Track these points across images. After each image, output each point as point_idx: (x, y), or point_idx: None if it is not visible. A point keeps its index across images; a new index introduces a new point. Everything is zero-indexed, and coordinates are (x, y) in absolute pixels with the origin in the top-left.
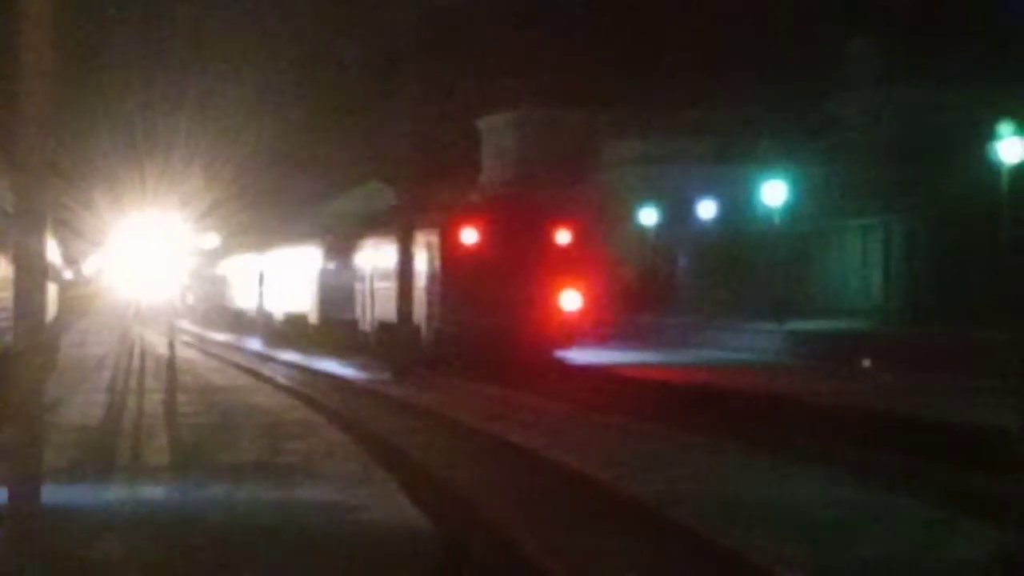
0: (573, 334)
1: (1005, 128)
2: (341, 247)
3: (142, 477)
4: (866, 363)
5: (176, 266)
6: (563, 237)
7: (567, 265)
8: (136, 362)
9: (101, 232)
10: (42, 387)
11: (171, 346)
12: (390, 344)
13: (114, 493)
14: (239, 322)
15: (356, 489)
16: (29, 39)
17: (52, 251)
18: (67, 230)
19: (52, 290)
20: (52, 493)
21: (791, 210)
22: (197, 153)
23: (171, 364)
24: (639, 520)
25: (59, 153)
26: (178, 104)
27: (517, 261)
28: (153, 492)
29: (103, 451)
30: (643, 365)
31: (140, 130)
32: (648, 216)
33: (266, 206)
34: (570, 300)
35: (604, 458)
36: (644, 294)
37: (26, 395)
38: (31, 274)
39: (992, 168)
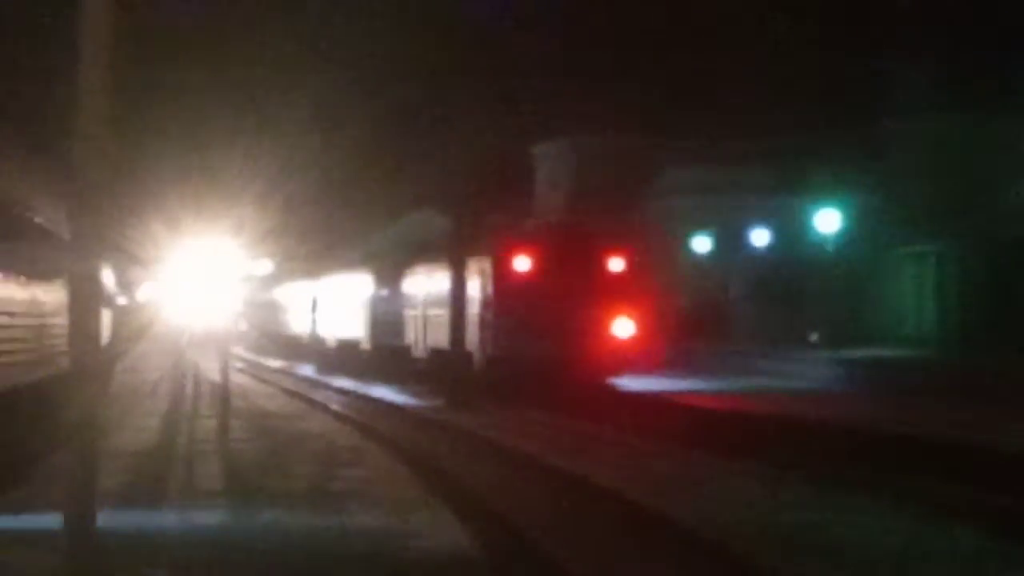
0: (626, 361)
1: None
2: (394, 273)
3: (195, 503)
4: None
5: (230, 292)
6: (616, 264)
7: (620, 292)
8: (190, 388)
9: (156, 259)
10: (97, 412)
11: (224, 372)
12: (442, 371)
13: (167, 518)
14: (292, 348)
15: (409, 515)
16: (87, 63)
17: (106, 277)
18: (121, 256)
19: (105, 316)
20: (104, 518)
21: (844, 237)
22: (252, 180)
23: (224, 390)
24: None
25: (114, 179)
26: (234, 132)
27: (570, 288)
28: (206, 518)
29: (156, 476)
30: (695, 393)
31: (196, 157)
32: (701, 244)
33: (319, 233)
34: (623, 327)
35: (650, 485)
36: (697, 322)
37: (81, 419)
38: (85, 299)
39: None
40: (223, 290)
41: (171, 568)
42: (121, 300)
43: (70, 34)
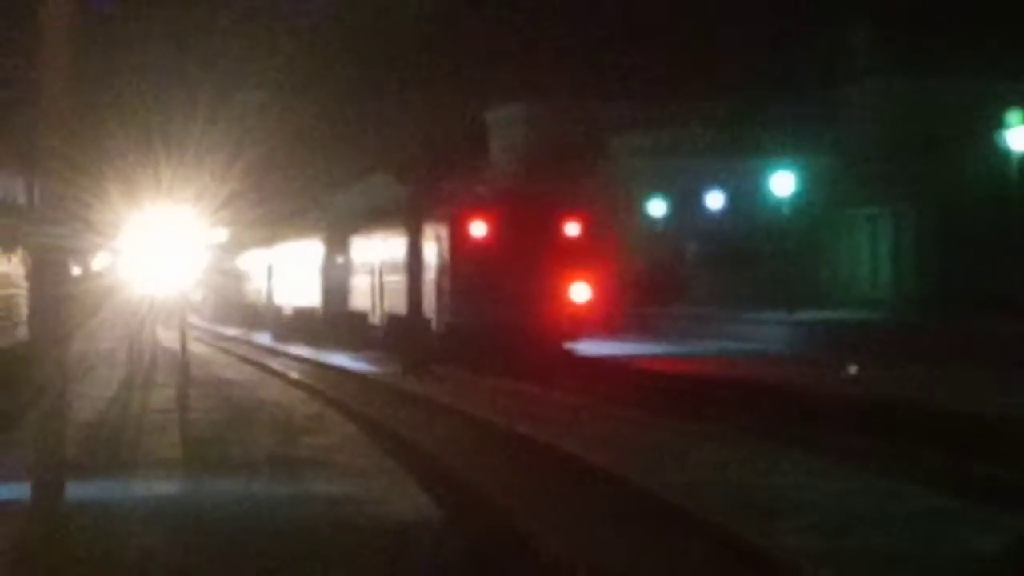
0: (582, 326)
1: (1014, 117)
2: (350, 240)
3: (155, 472)
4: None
5: (187, 261)
6: (572, 229)
7: (576, 257)
8: (147, 357)
9: (113, 226)
10: (63, 382)
11: (182, 341)
12: (400, 337)
13: (128, 488)
14: (249, 316)
15: (370, 482)
16: (48, 35)
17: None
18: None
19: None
20: (68, 488)
21: (799, 201)
22: (210, 148)
23: (183, 359)
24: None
25: (74, 149)
26: (192, 99)
27: (526, 253)
28: (167, 487)
29: (116, 446)
30: (652, 357)
31: (154, 123)
32: (656, 208)
33: (276, 200)
34: (579, 292)
35: (614, 449)
36: (653, 285)
37: (47, 390)
38: (48, 268)
39: (1001, 156)
40: (181, 259)
41: (134, 536)
42: (76, 269)
43: (29, 4)
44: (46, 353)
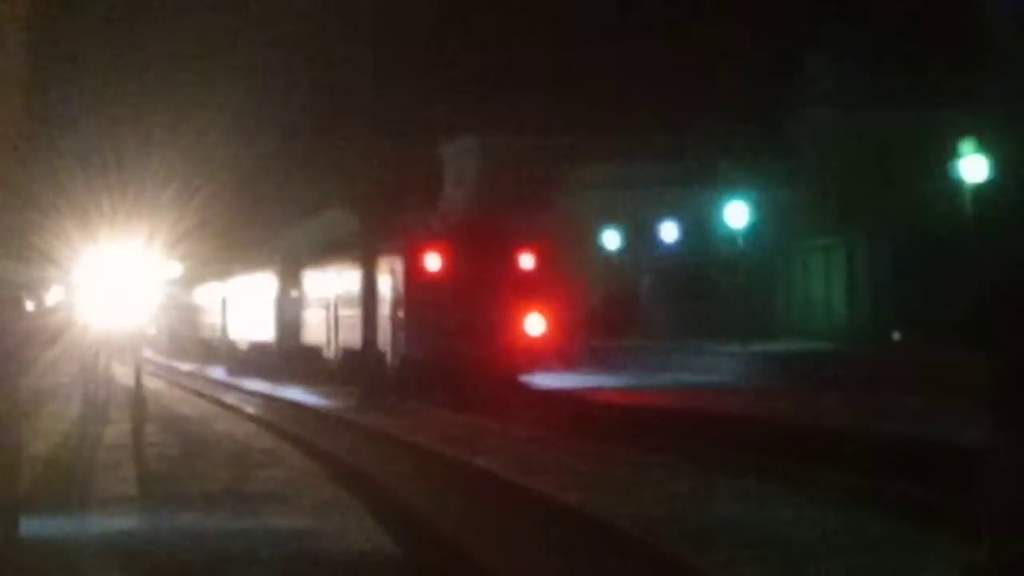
0: (538, 358)
1: (967, 146)
2: (304, 274)
3: (111, 507)
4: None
5: (142, 296)
6: (527, 261)
7: (531, 289)
8: (102, 393)
9: (67, 260)
10: (19, 418)
11: (137, 376)
12: (354, 371)
13: (83, 524)
14: (204, 351)
15: (325, 516)
16: (2, 63)
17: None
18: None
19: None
20: (21, 524)
21: (754, 232)
22: (165, 182)
23: (137, 394)
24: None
25: (27, 179)
26: (147, 133)
27: (481, 286)
28: (123, 523)
29: (71, 482)
30: (607, 389)
31: (110, 156)
32: (611, 239)
33: (230, 235)
34: (534, 324)
35: (565, 481)
36: (608, 317)
37: (2, 425)
38: (3, 304)
39: (955, 187)
40: (135, 293)
41: (93, 572)
42: (29, 305)
43: None
44: (0, 389)
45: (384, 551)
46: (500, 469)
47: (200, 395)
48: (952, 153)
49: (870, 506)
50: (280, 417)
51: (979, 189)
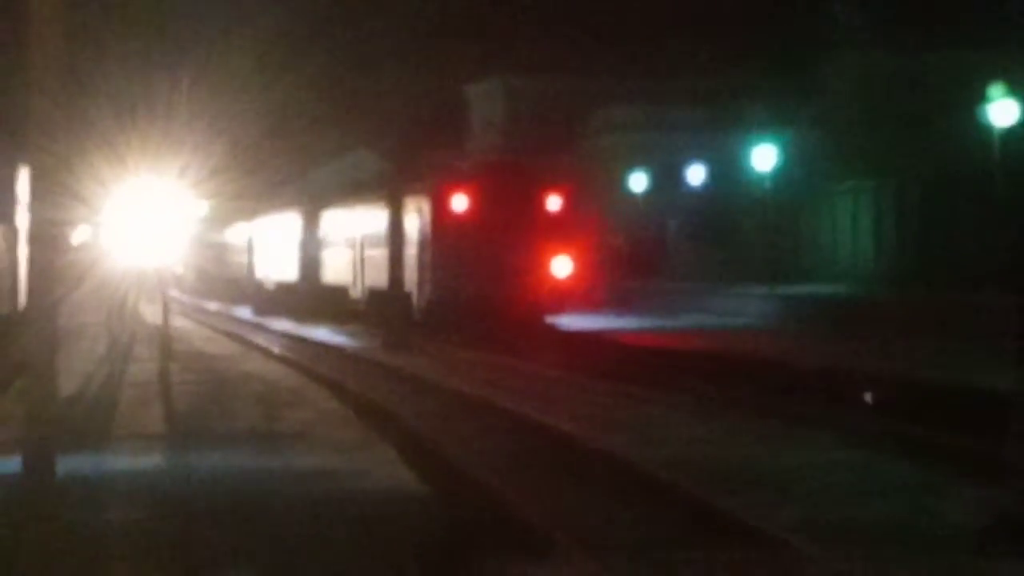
0: (564, 300)
1: (996, 90)
2: (329, 214)
3: (140, 446)
4: None
5: (170, 234)
6: (553, 203)
7: (557, 231)
8: (129, 330)
9: (98, 198)
10: (54, 355)
11: (164, 315)
12: (380, 311)
13: (111, 462)
14: (230, 290)
15: (352, 454)
16: (36, 9)
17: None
18: (63, 197)
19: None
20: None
21: (781, 175)
22: (193, 120)
23: (164, 332)
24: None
25: (69, 123)
26: (175, 71)
27: (507, 227)
28: (150, 461)
29: (98, 420)
30: (632, 330)
31: (139, 94)
32: (637, 182)
33: (258, 174)
34: (560, 266)
35: (594, 421)
36: (634, 260)
37: (37, 363)
38: (40, 241)
39: (983, 131)
40: (163, 232)
41: (122, 509)
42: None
43: None
44: (36, 325)
45: (410, 488)
46: (525, 408)
47: (227, 335)
48: (982, 97)
49: (896, 449)
50: (306, 357)
51: (1009, 133)
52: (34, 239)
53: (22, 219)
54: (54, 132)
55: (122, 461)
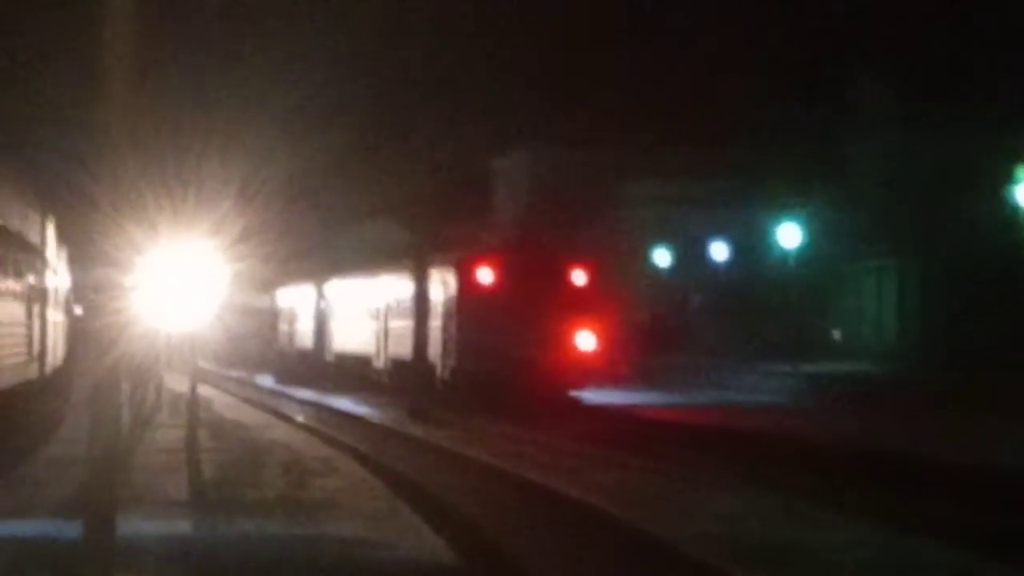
0: (588, 374)
1: (1022, 172)
2: (352, 282)
3: (168, 512)
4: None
5: (200, 301)
6: (578, 277)
7: (582, 305)
8: (153, 397)
9: (129, 262)
10: (119, 417)
11: (193, 382)
12: (404, 382)
13: (141, 527)
14: (253, 357)
15: (381, 524)
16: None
17: (63, 283)
18: (98, 261)
19: (60, 326)
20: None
21: (805, 252)
22: (223, 186)
23: (192, 400)
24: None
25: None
26: (208, 140)
27: (533, 301)
28: (179, 527)
29: (128, 486)
30: (656, 406)
31: (169, 154)
32: (662, 257)
33: (283, 240)
34: (585, 340)
35: (620, 496)
36: (658, 334)
37: (102, 426)
38: (98, 305)
39: (1009, 211)
40: (192, 297)
41: (157, 574)
42: (77, 309)
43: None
44: (99, 389)
45: (441, 559)
46: (551, 481)
47: (250, 402)
48: (1008, 178)
49: (922, 531)
50: (331, 426)
51: None
52: (90, 305)
53: (50, 280)
54: (120, 191)
55: (155, 526)
